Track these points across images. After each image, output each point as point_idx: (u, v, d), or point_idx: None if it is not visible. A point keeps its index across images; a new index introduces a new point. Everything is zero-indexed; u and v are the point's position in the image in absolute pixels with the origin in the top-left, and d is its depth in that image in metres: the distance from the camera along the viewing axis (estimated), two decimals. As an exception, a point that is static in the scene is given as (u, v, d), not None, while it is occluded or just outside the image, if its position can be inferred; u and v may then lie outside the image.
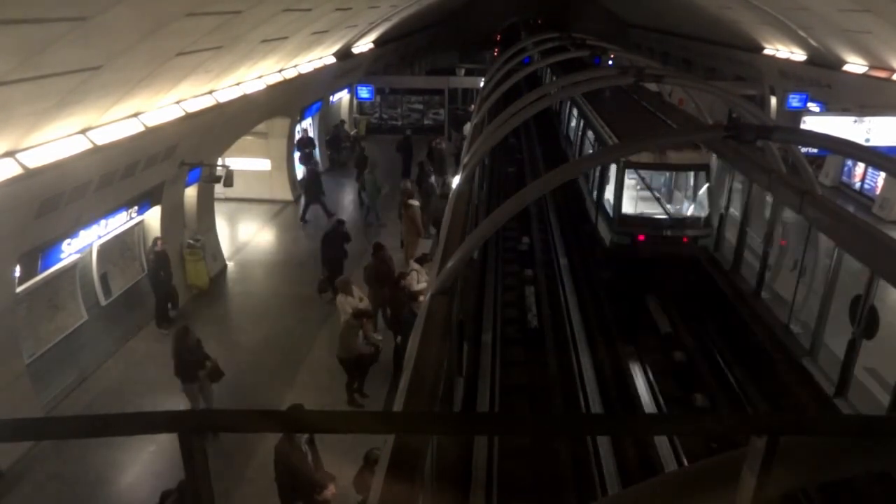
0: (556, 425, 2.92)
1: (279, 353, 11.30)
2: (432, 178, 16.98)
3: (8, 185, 7.47)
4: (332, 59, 20.39)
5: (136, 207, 11.52)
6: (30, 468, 8.26)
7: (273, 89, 15.51)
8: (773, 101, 24.51)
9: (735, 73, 27.83)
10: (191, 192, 14.11)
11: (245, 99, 13.98)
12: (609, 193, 12.21)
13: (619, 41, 32.01)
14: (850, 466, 2.19)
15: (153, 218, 12.60)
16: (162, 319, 12.10)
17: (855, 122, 16.64)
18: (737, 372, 10.31)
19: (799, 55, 21.69)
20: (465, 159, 10.52)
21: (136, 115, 10.06)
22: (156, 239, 12.25)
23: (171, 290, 12.31)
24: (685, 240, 11.84)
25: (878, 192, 18.72)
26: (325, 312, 12.34)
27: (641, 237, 11.77)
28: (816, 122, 16.65)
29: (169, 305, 12.32)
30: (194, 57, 9.84)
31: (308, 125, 22.21)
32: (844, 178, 20.65)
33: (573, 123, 18.75)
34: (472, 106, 22.66)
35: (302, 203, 18.15)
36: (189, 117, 11.49)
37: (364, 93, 26.69)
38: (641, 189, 12.18)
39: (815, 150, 16.44)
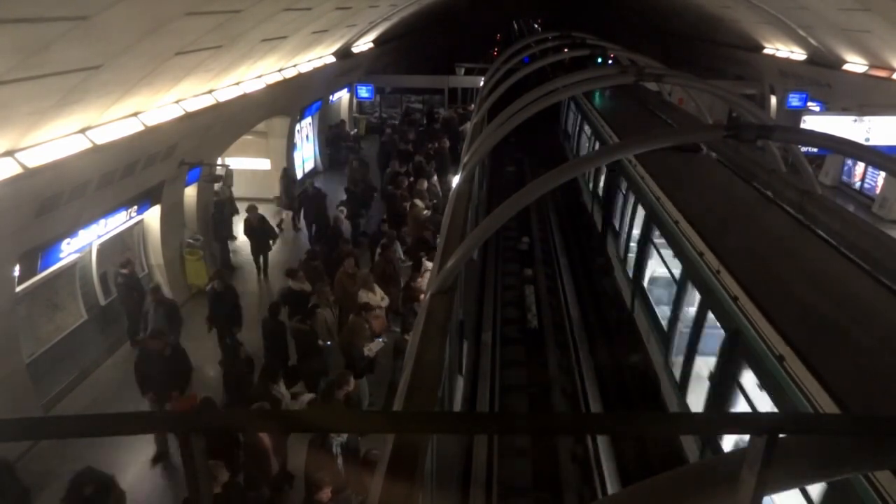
0: (556, 425, 2.92)
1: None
2: (434, 178, 16.95)
3: (8, 184, 7.47)
4: (332, 59, 20.38)
5: (135, 207, 11.50)
6: (29, 467, 8.24)
7: (273, 89, 15.51)
8: (773, 100, 24.51)
9: (735, 72, 27.83)
10: (190, 192, 14.11)
11: (245, 98, 13.98)
12: None
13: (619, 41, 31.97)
14: (850, 466, 2.19)
15: (153, 217, 12.59)
16: (136, 337, 11.31)
17: (855, 121, 16.64)
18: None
19: (799, 54, 21.69)
20: (465, 159, 10.52)
21: (135, 114, 10.05)
22: (125, 261, 11.34)
23: (144, 310, 11.23)
24: None
25: (878, 191, 18.73)
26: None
27: None
28: (816, 122, 16.66)
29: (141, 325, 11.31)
30: (194, 56, 9.83)
31: (306, 128, 22.16)
32: (844, 178, 20.66)
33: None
34: (472, 105, 22.67)
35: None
36: (189, 117, 11.48)
37: (364, 92, 26.66)
38: None
39: (815, 150, 16.44)
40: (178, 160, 12.43)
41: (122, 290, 11.41)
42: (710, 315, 6.57)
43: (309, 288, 10.61)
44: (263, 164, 18.77)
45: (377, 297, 10.34)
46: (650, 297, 9.31)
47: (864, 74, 18.18)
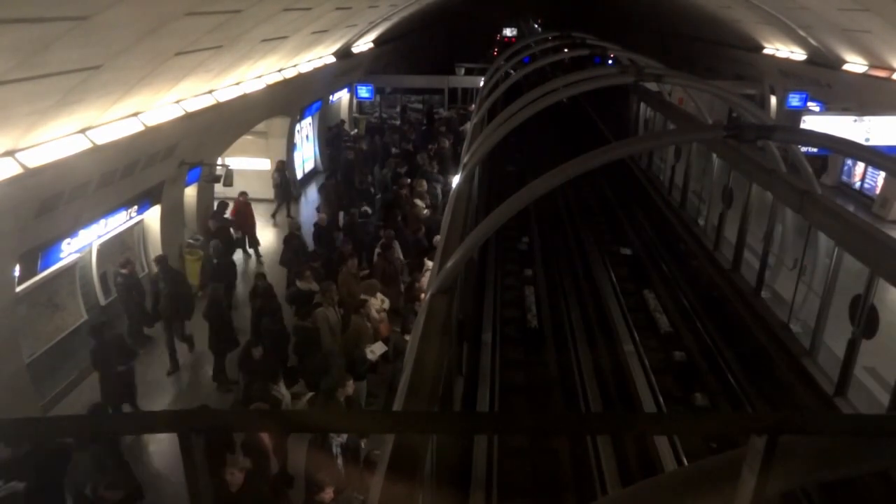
0: (556, 425, 2.92)
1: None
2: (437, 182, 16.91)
3: (8, 184, 7.47)
4: (332, 59, 20.38)
5: (135, 207, 11.50)
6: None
7: (273, 89, 15.50)
8: (773, 100, 24.50)
9: (735, 72, 27.81)
10: (190, 192, 14.11)
11: (245, 98, 13.98)
12: None
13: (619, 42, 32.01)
14: (850, 466, 2.19)
15: (153, 218, 12.59)
16: (138, 338, 11.44)
17: (855, 121, 16.62)
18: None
19: (799, 54, 21.67)
20: (465, 159, 10.52)
21: (135, 114, 10.05)
22: (125, 261, 11.32)
23: (143, 310, 11.48)
24: None
25: (878, 191, 18.72)
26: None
27: None
28: (816, 122, 16.64)
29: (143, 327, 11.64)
30: (194, 56, 9.84)
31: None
32: (844, 178, 20.64)
33: None
34: (472, 105, 22.67)
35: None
36: (189, 117, 11.48)
37: (364, 92, 26.64)
38: None
39: (815, 150, 16.42)
40: (178, 160, 12.43)
41: (121, 290, 11.37)
42: None
43: (316, 288, 10.63)
44: (263, 164, 18.77)
45: (378, 302, 10.33)
46: None
47: (864, 74, 18.17)
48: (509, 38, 58.87)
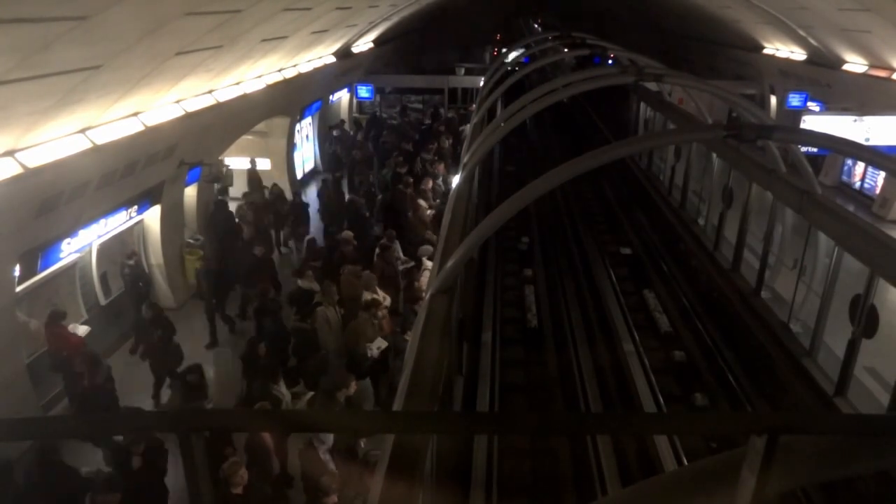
0: (556, 425, 2.92)
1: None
2: (439, 180, 16.89)
3: (8, 184, 7.47)
4: (332, 59, 20.38)
5: (135, 207, 11.50)
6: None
7: (273, 89, 15.50)
8: (773, 100, 24.50)
9: (735, 72, 27.81)
10: (190, 192, 14.10)
11: (245, 98, 13.98)
12: None
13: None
14: (850, 466, 2.19)
15: (153, 217, 12.58)
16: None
17: (855, 121, 16.63)
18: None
19: (799, 54, 21.68)
20: (464, 159, 10.51)
21: (135, 114, 10.05)
22: (131, 252, 11.79)
23: (149, 300, 11.50)
24: None
25: (878, 191, 18.70)
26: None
27: None
28: (816, 122, 16.64)
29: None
30: (194, 56, 9.84)
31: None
32: (844, 178, 20.63)
33: None
34: (473, 105, 22.67)
35: None
36: (189, 117, 11.48)
37: (364, 92, 26.66)
38: None
39: (815, 150, 16.42)
40: (178, 160, 12.42)
41: (128, 281, 11.57)
42: None
43: (318, 287, 10.63)
44: (263, 164, 18.76)
45: (380, 298, 10.32)
46: None
47: (864, 74, 18.17)
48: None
